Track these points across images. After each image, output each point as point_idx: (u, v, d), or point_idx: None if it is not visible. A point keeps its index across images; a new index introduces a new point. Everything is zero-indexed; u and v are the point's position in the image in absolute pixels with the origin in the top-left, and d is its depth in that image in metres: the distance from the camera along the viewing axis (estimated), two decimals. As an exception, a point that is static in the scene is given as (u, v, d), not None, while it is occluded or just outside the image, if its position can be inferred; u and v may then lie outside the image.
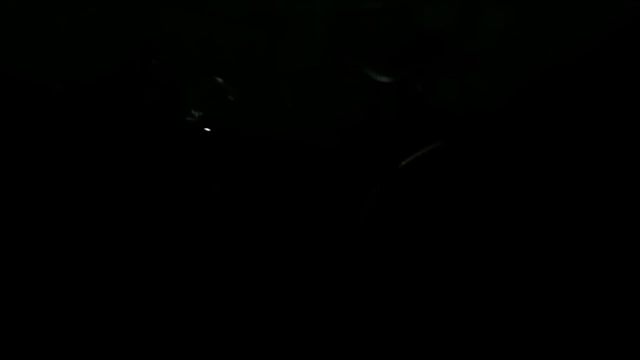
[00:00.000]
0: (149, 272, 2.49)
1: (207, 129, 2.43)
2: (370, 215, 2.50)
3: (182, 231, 2.50)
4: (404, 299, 2.61)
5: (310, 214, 2.59)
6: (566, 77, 2.83)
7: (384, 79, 2.35)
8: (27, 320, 2.33)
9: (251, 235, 2.56)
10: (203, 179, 2.49)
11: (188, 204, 2.49)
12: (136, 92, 2.40)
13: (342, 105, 2.70)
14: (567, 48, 2.80)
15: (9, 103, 2.66)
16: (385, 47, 2.39)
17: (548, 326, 2.64)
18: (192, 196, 2.49)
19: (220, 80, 2.47)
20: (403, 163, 2.48)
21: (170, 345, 2.33)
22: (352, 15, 2.59)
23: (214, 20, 2.76)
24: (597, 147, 2.88)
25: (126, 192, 2.49)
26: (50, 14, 2.74)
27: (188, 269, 2.51)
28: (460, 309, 2.63)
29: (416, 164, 2.51)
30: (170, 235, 2.50)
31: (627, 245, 2.89)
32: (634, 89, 2.82)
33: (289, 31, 2.77)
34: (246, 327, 2.44)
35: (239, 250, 2.55)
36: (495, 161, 2.64)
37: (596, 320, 2.64)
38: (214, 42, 2.77)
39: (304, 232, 2.59)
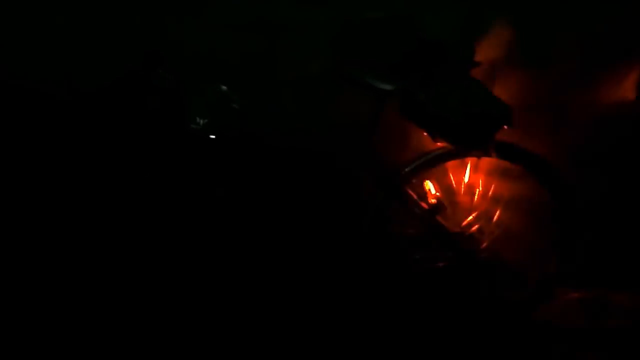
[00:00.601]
0: (152, 276, 2.50)
1: (212, 136, 2.44)
2: (373, 222, 2.52)
3: (186, 236, 2.51)
4: (404, 301, 2.63)
5: (313, 220, 2.61)
6: (565, 83, 2.86)
7: (386, 87, 2.37)
8: (27, 320, 2.33)
9: (254, 240, 2.57)
10: (207, 185, 2.50)
11: (192, 210, 2.50)
12: (141, 100, 2.41)
13: (345, 113, 2.71)
14: (567, 55, 2.83)
15: (15, 111, 2.66)
16: (387, 55, 2.40)
17: (546, 327, 2.67)
18: (196, 202, 2.50)
19: (224, 88, 2.48)
20: (406, 170, 2.51)
21: (169, 346, 2.34)
22: (354, 24, 2.61)
23: (218, 28, 2.78)
24: (598, 152, 2.91)
25: (131, 198, 2.50)
26: (55, 23, 2.75)
27: (191, 273, 2.52)
28: (460, 312, 2.66)
29: (419, 171, 2.53)
30: (174, 241, 2.51)
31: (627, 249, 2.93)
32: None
33: (292, 40, 2.78)
34: (246, 329, 2.46)
35: (242, 255, 2.56)
36: (495, 168, 2.67)
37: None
38: (218, 50, 2.79)
39: (306, 237, 2.60)
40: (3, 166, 2.61)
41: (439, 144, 2.43)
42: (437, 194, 2.56)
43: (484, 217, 2.63)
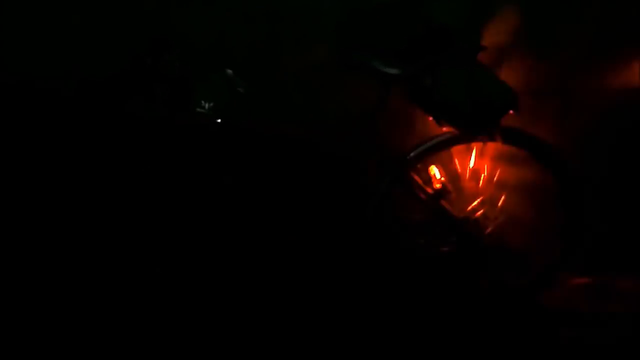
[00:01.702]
0: (158, 265, 2.52)
1: (218, 120, 2.44)
2: (378, 207, 2.53)
3: (192, 224, 2.52)
4: (406, 288, 2.65)
5: (318, 206, 2.62)
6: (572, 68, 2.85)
7: (392, 72, 2.37)
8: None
9: (261, 228, 2.58)
10: (214, 173, 2.51)
11: (199, 197, 2.51)
12: (148, 87, 2.41)
13: (350, 99, 2.72)
14: (575, 43, 2.82)
15: (21, 104, 2.67)
16: (394, 41, 2.40)
17: (550, 312, 2.68)
18: (203, 190, 2.51)
19: (229, 72, 2.48)
20: (412, 155, 2.51)
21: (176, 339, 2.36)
22: (361, 10, 2.60)
23: (224, 14, 2.77)
24: (603, 143, 2.90)
25: (137, 186, 2.51)
26: (61, 11, 2.75)
27: (197, 261, 2.54)
28: (463, 298, 2.68)
29: (424, 156, 2.54)
30: (180, 229, 2.52)
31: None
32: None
33: (299, 26, 2.78)
34: (251, 319, 2.48)
35: (248, 243, 2.57)
36: (500, 153, 2.67)
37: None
38: (224, 36, 2.79)
39: (313, 224, 2.61)
40: (11, 159, 2.62)
41: (444, 129, 2.43)
42: (442, 179, 2.57)
43: (489, 202, 2.63)
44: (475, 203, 2.62)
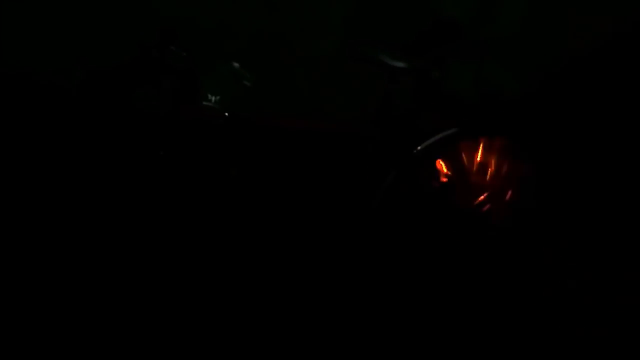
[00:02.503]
0: (161, 258, 2.52)
1: (226, 114, 2.44)
2: (385, 200, 2.52)
3: (199, 217, 2.52)
4: (411, 281, 2.64)
5: (323, 199, 2.61)
6: (583, 67, 2.84)
7: (399, 65, 2.36)
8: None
9: (266, 220, 2.58)
10: (220, 165, 2.51)
11: (205, 189, 2.51)
12: (154, 78, 2.41)
13: (358, 92, 2.71)
14: (585, 38, 2.80)
15: (26, 96, 2.67)
16: (402, 34, 2.40)
17: (555, 316, 2.67)
18: (209, 183, 2.51)
19: (236, 65, 2.48)
20: (419, 148, 2.50)
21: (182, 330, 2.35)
22: (369, 2, 2.59)
23: (231, 6, 2.77)
24: (612, 137, 2.89)
25: (142, 179, 2.51)
26: (67, 4, 2.75)
27: (203, 254, 2.53)
28: (469, 297, 2.67)
29: (430, 150, 2.53)
30: (187, 221, 2.52)
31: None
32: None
33: (306, 18, 2.77)
34: (252, 312, 2.47)
35: (254, 235, 2.57)
36: (508, 150, 2.66)
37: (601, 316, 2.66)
38: (230, 28, 2.79)
39: (318, 218, 2.61)
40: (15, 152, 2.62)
41: (451, 122, 2.43)
42: (449, 173, 2.56)
43: (496, 197, 2.63)
44: (481, 197, 2.61)
